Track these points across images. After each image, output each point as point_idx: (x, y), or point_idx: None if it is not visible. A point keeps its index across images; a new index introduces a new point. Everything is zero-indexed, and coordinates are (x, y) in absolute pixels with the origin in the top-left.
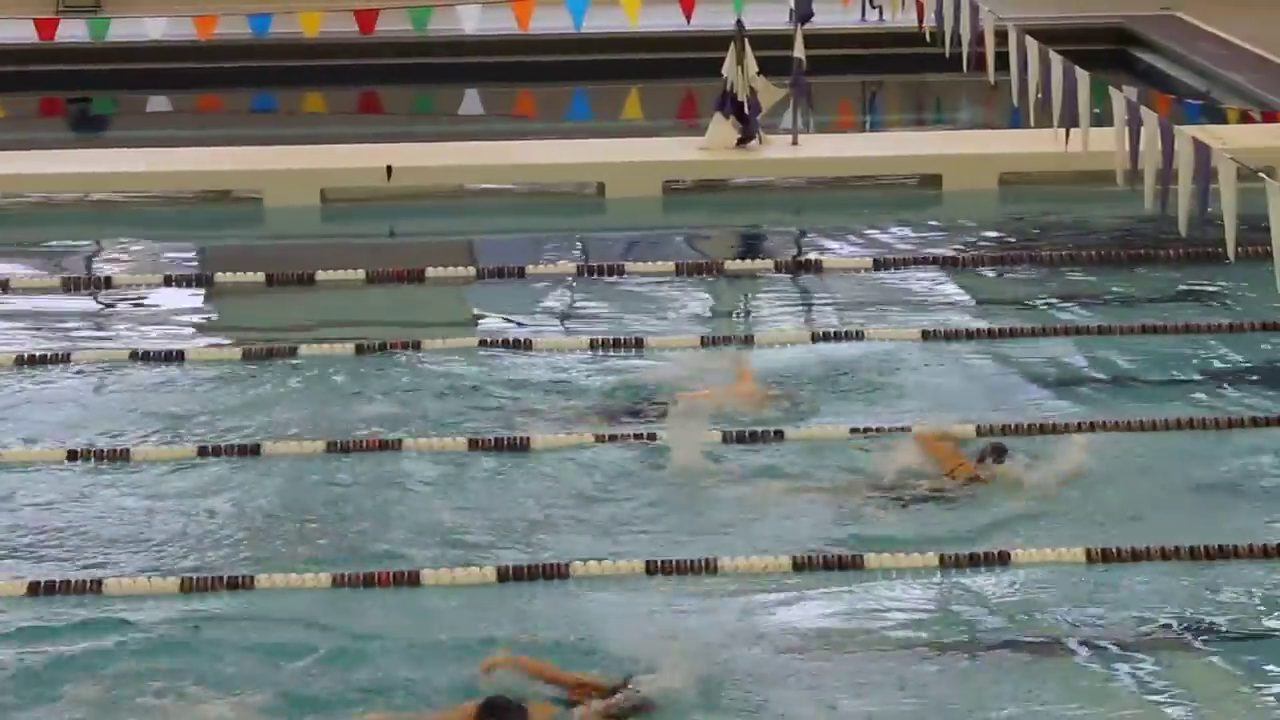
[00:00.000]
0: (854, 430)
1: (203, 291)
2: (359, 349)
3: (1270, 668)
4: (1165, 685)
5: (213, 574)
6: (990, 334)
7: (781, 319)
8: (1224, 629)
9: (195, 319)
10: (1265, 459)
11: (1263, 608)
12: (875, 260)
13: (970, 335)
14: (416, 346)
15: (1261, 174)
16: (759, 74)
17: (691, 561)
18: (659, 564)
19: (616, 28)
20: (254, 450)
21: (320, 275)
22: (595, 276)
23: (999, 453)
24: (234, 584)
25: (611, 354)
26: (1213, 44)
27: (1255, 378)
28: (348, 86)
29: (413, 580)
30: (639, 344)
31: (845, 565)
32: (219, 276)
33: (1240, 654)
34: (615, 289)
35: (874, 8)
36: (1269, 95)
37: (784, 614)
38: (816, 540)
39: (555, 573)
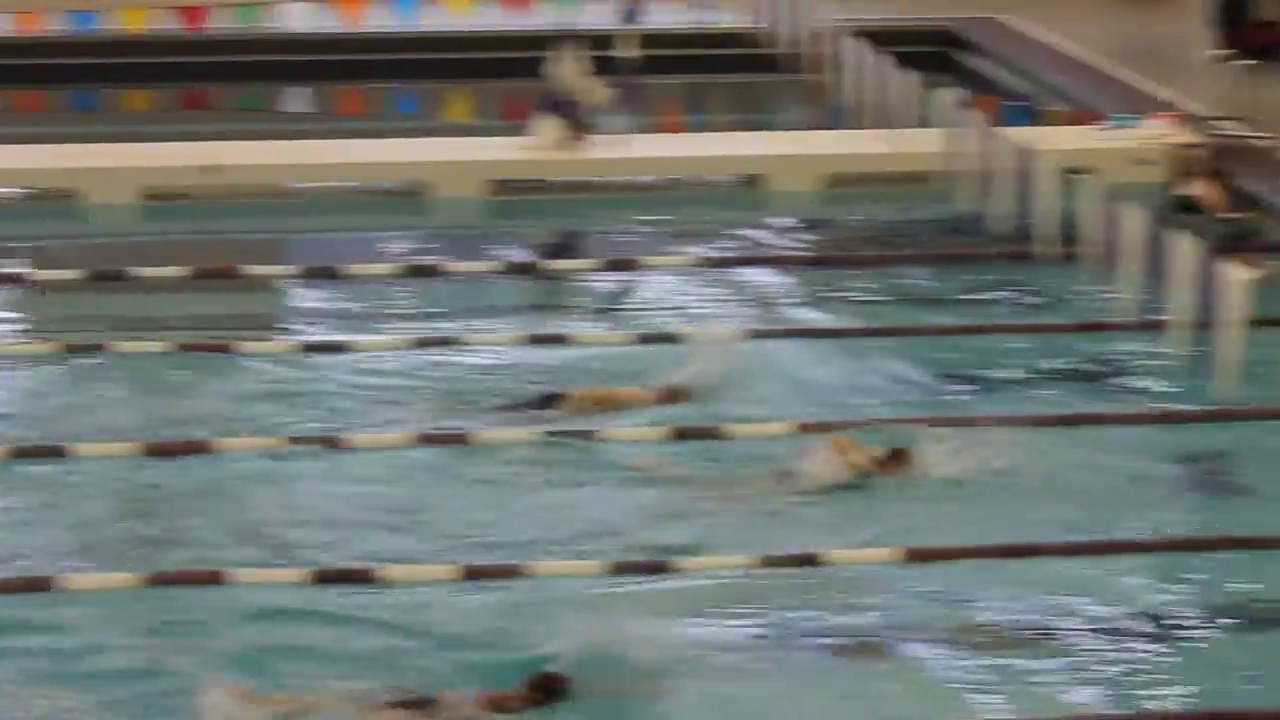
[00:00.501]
0: (677, 431)
1: (22, 290)
2: (181, 348)
3: (1073, 664)
4: (975, 683)
5: (19, 575)
6: (814, 333)
7: (607, 319)
8: (1040, 625)
9: (13, 317)
10: (1080, 455)
11: (1075, 603)
12: (701, 259)
13: (795, 335)
14: (239, 346)
15: (1079, 176)
16: (587, 74)
17: (506, 566)
18: (477, 568)
19: (445, 26)
20: (68, 451)
21: (142, 273)
22: (421, 275)
23: (901, 455)
24: (38, 585)
25: (435, 353)
26: (1034, 47)
27: (1070, 376)
28: (173, 84)
29: (225, 580)
30: (463, 343)
31: (657, 569)
32: (38, 274)
33: (1054, 651)
34: (440, 288)
35: (702, 8)
36: (1088, 98)
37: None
38: (646, 541)
39: (367, 577)
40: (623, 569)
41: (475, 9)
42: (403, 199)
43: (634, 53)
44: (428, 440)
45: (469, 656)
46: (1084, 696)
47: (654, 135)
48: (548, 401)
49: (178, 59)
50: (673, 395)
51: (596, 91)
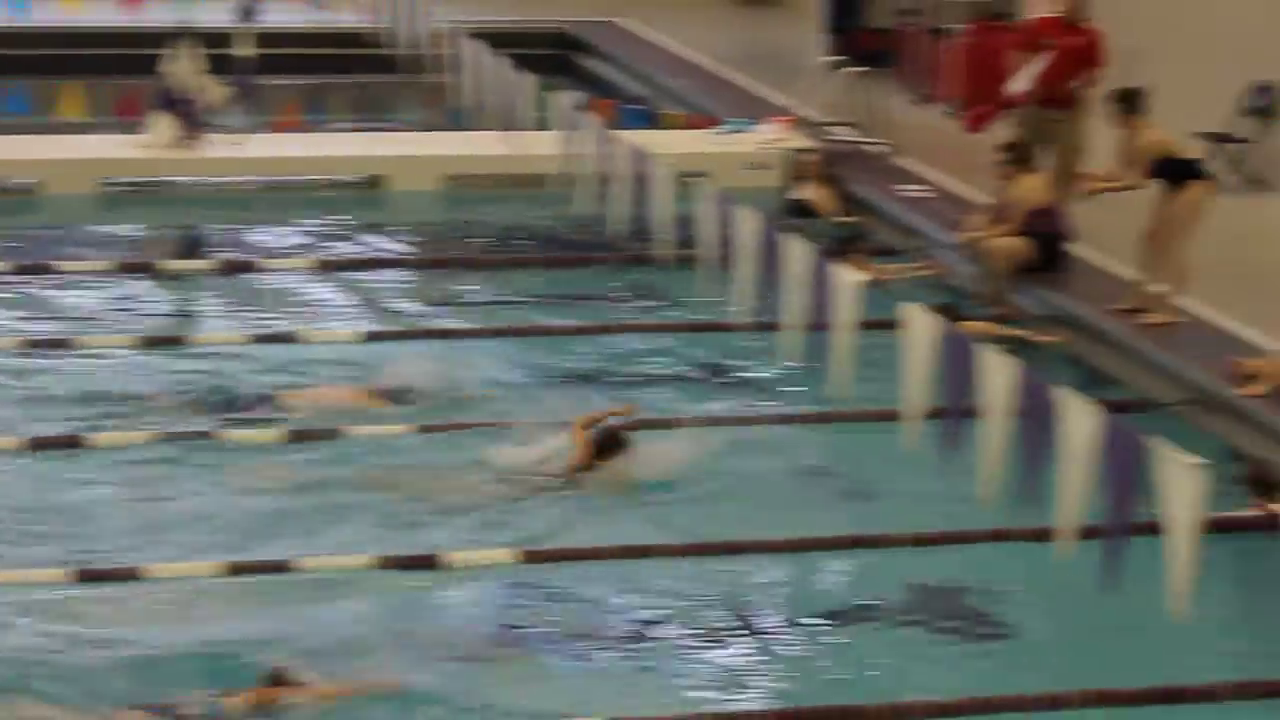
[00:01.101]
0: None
1: None
2: None
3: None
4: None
5: None
6: (433, 335)
7: (223, 319)
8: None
9: None
10: (698, 455)
11: (687, 603)
12: (320, 261)
13: (414, 336)
14: None
15: (694, 179)
16: (204, 72)
17: (122, 569)
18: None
19: (57, 21)
20: None
21: None
22: (30, 275)
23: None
24: None
25: (41, 355)
26: (651, 51)
27: (688, 377)
28: None
29: None
30: (64, 345)
31: (276, 569)
32: None
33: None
34: (51, 288)
35: (321, 8)
36: (704, 102)
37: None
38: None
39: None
40: (242, 569)
41: (89, 4)
42: (14, 198)
43: (251, 51)
44: (40, 446)
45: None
46: (686, 696)
47: (272, 135)
48: (261, 402)
49: None
50: (393, 397)
51: (213, 90)
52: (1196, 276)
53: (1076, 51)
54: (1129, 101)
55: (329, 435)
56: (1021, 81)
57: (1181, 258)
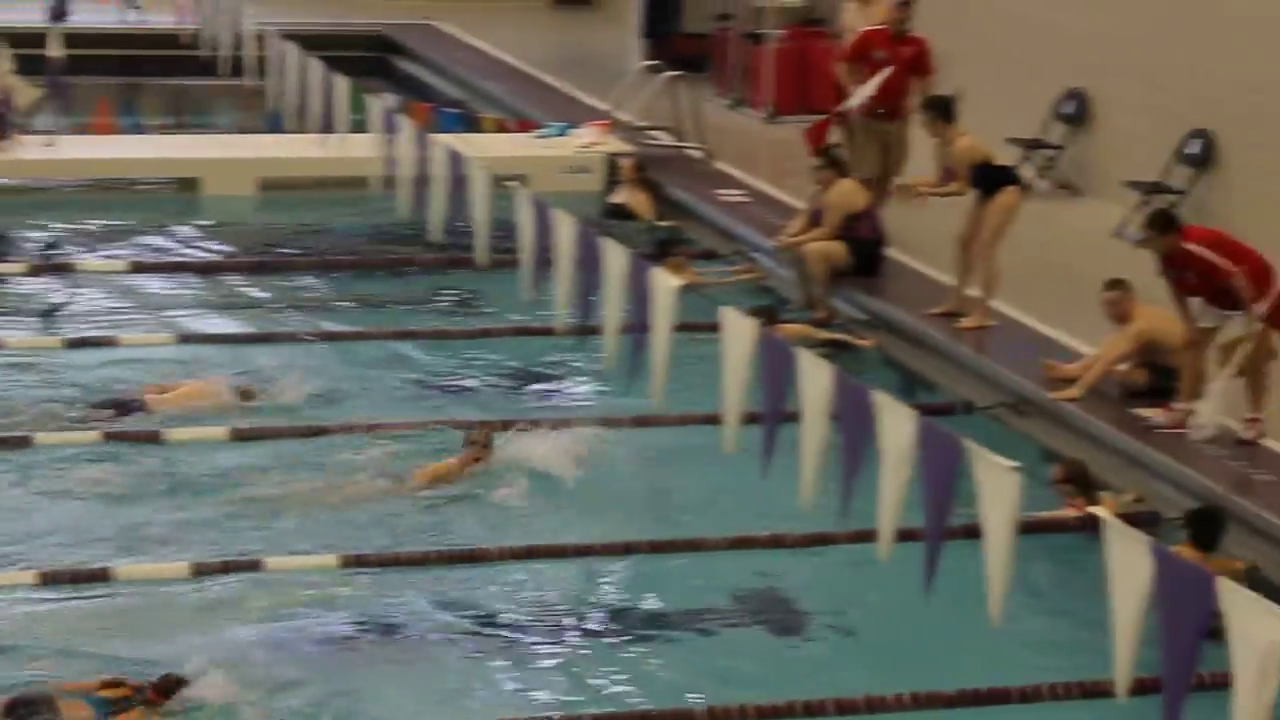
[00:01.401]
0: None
1: None
2: None
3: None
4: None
5: None
6: (244, 339)
7: (34, 324)
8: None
9: None
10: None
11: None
12: (133, 264)
13: (225, 340)
14: None
15: (511, 182)
16: (13, 72)
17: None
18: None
19: None
20: None
21: None
22: None
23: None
24: None
25: None
26: (469, 53)
27: (508, 381)
28: None
29: None
30: None
31: (92, 578)
32: None
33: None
34: None
35: (134, 7)
36: (521, 105)
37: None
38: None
39: None
40: (56, 578)
41: None
42: None
43: (63, 52)
44: None
45: None
46: (505, 702)
47: (83, 136)
48: (124, 407)
49: None
50: (246, 395)
51: (24, 91)
52: (1009, 281)
53: (908, 62)
54: (940, 109)
55: (151, 438)
56: (861, 96)
57: (995, 262)
